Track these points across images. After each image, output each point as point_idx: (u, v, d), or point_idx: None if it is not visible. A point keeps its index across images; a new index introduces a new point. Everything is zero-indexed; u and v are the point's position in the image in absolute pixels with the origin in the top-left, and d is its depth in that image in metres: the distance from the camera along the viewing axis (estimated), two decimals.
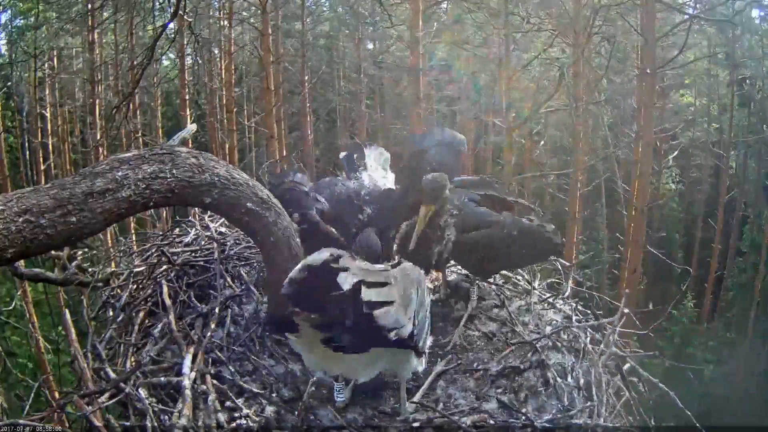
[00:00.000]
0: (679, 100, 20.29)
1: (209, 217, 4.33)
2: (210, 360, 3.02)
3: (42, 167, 17.33)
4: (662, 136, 16.03)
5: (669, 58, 13.22)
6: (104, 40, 17.33)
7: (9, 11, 15.70)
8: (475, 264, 3.55)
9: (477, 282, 3.89)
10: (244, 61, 19.94)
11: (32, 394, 3.34)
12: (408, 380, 2.90)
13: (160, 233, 4.44)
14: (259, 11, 14.50)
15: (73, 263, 3.93)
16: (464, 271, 3.98)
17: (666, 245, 17.85)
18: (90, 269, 3.99)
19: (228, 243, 4.04)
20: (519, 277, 4.18)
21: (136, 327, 3.37)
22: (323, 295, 2.28)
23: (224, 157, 13.67)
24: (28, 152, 18.83)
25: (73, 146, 19.54)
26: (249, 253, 3.96)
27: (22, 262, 3.69)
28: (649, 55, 12.19)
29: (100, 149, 13.60)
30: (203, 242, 4.09)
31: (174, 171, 2.84)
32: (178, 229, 4.34)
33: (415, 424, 2.72)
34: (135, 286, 3.74)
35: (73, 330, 3.21)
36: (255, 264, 3.89)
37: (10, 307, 10.33)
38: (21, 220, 2.43)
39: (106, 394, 2.73)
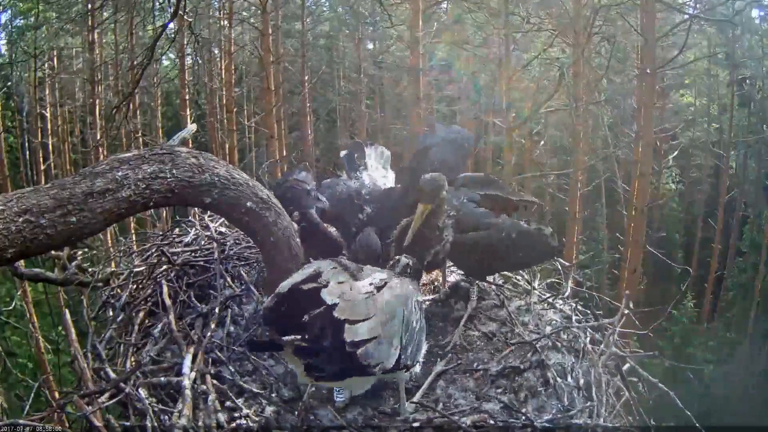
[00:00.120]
0: (679, 100, 20.28)
1: (209, 217, 4.33)
2: (210, 360, 3.02)
3: (42, 167, 17.32)
4: (662, 136, 16.02)
5: (669, 58, 13.22)
6: (104, 40, 17.33)
7: (9, 11, 15.71)
8: (473, 265, 3.55)
9: (477, 282, 3.88)
10: (244, 61, 19.94)
11: (32, 394, 3.34)
12: (407, 380, 2.90)
13: (160, 233, 4.44)
14: (259, 11, 14.50)
15: (73, 263, 3.93)
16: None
17: (666, 245, 17.85)
18: (90, 269, 4.00)
19: (228, 243, 4.04)
20: (519, 277, 4.18)
21: (136, 327, 3.37)
22: (302, 318, 2.27)
23: (224, 157, 13.67)
24: (28, 152, 18.83)
25: (73, 146, 19.53)
26: (249, 253, 3.96)
27: (22, 262, 3.69)
28: (649, 55, 12.19)
29: (100, 149, 13.60)
30: (203, 242, 4.09)
31: (174, 171, 2.84)
32: (178, 229, 4.34)
33: (415, 424, 2.72)
34: (135, 286, 3.75)
35: (73, 330, 3.21)
36: (255, 264, 3.89)
37: (10, 307, 10.33)
38: (21, 220, 2.43)
39: (106, 394, 2.73)
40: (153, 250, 4.01)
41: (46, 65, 18.14)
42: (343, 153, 4.28)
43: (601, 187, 16.87)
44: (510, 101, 12.81)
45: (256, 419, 2.66)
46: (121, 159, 2.81)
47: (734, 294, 17.08)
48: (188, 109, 16.56)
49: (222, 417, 2.64)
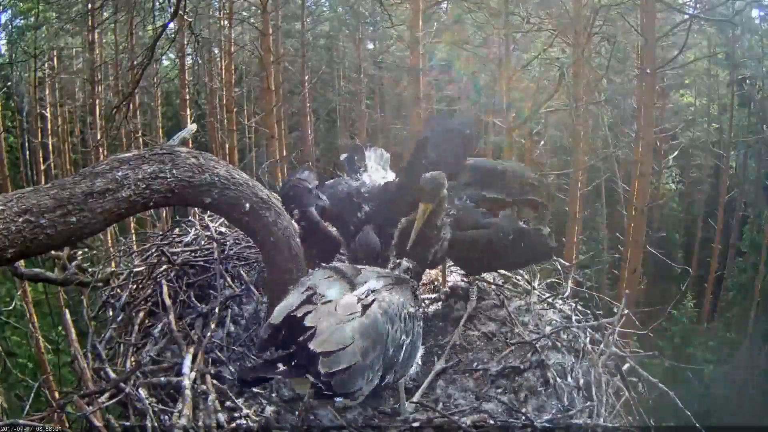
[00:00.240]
0: (679, 100, 20.27)
1: (209, 217, 4.34)
2: (210, 360, 3.03)
3: (42, 167, 17.31)
4: (662, 136, 16.00)
5: (669, 58, 13.19)
6: (104, 40, 17.32)
7: (9, 11, 15.70)
8: (471, 262, 3.56)
9: (477, 282, 3.89)
10: (244, 61, 19.93)
11: (32, 394, 3.34)
12: (407, 380, 2.90)
13: (160, 233, 4.45)
14: (259, 11, 14.49)
15: (73, 263, 3.93)
16: (462, 270, 3.98)
17: (666, 245, 17.83)
18: (90, 269, 4.00)
19: (228, 243, 4.05)
20: (519, 277, 4.18)
21: (136, 327, 3.38)
22: (293, 344, 2.33)
23: (224, 157, 13.67)
24: (28, 152, 18.82)
25: (73, 146, 19.53)
26: (249, 253, 3.96)
27: (22, 262, 3.70)
28: (649, 55, 12.18)
29: (100, 149, 13.59)
30: (203, 242, 4.09)
31: (174, 171, 2.84)
32: (178, 229, 4.35)
33: (415, 424, 2.72)
34: (135, 286, 3.75)
35: (73, 330, 3.21)
36: (255, 264, 3.89)
37: (10, 307, 10.32)
38: (21, 220, 2.43)
39: (106, 394, 2.73)
40: (153, 250, 4.02)
41: (46, 65, 18.13)
42: (343, 156, 4.30)
43: (601, 187, 16.86)
44: (510, 101, 12.79)
45: (256, 419, 2.67)
46: (121, 159, 2.81)
47: (734, 294, 17.06)
48: (188, 109, 16.54)
49: (222, 417, 2.65)
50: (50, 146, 17.90)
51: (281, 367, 2.27)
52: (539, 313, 3.78)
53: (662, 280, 17.02)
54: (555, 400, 3.01)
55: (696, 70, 18.18)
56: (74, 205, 2.57)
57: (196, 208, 4.25)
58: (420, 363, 2.83)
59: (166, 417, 2.64)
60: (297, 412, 2.74)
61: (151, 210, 3.80)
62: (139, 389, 2.74)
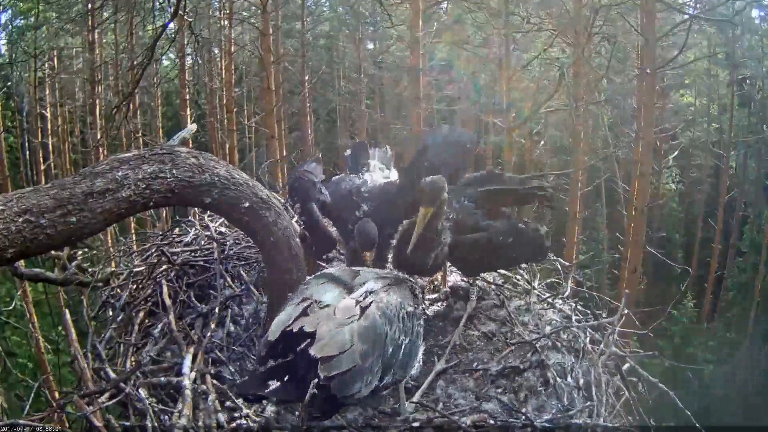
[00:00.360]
0: (679, 100, 20.26)
1: (209, 217, 4.34)
2: (210, 360, 3.03)
3: (42, 167, 17.31)
4: (662, 136, 15.99)
5: (669, 58, 13.19)
6: (104, 40, 17.31)
7: (9, 11, 15.70)
8: (470, 263, 3.57)
9: (477, 282, 3.89)
10: (244, 61, 19.92)
11: (32, 394, 3.34)
12: (408, 380, 2.90)
13: (160, 233, 4.45)
14: (259, 11, 14.48)
15: (73, 263, 3.93)
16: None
17: (666, 245, 17.85)
18: (90, 269, 4.00)
19: (228, 243, 4.05)
20: (518, 277, 4.18)
21: (136, 327, 3.38)
22: (292, 357, 2.35)
23: (224, 157, 13.68)
24: (28, 152, 18.82)
25: (73, 146, 19.52)
26: (249, 253, 3.96)
27: (22, 262, 3.70)
28: (649, 55, 12.17)
29: (100, 149, 13.59)
30: (203, 242, 4.09)
31: (174, 171, 2.84)
32: (178, 229, 4.35)
33: (415, 424, 2.72)
34: (135, 286, 3.75)
35: (73, 330, 3.21)
36: (255, 264, 3.89)
37: (10, 307, 10.32)
38: (21, 220, 2.43)
39: (106, 394, 2.73)
40: (153, 250, 4.02)
41: (46, 65, 18.12)
42: (347, 153, 4.30)
43: (601, 187, 16.86)
44: (510, 101, 12.79)
45: (256, 419, 2.66)
46: (121, 159, 2.81)
47: (734, 294, 17.06)
48: (188, 109, 16.55)
49: (222, 417, 2.64)
50: (50, 146, 17.90)
51: (276, 383, 2.31)
52: (539, 313, 3.78)
53: (662, 280, 17.02)
54: (555, 400, 3.01)
55: (696, 70, 18.17)
56: (74, 205, 2.57)
57: (196, 208, 4.25)
58: (421, 363, 2.84)
59: (166, 417, 2.64)
60: (297, 412, 2.74)
61: (151, 210, 3.80)
62: (139, 389, 2.74)
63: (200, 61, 17.82)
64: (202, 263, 3.84)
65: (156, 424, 2.57)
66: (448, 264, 3.83)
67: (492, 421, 2.79)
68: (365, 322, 2.40)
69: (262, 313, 3.40)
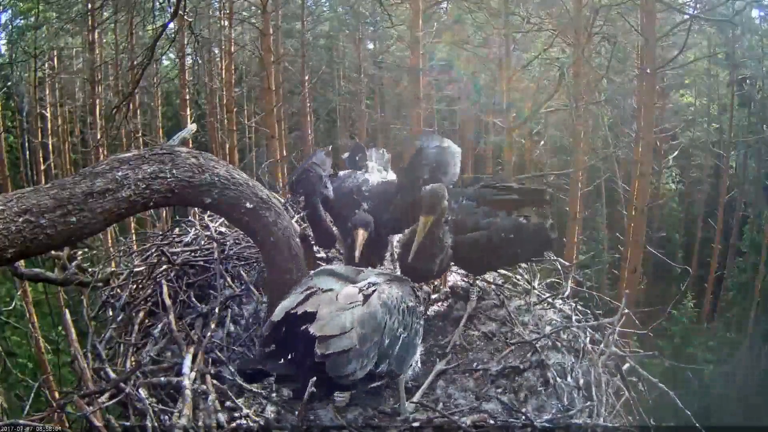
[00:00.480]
0: (679, 100, 20.26)
1: (209, 217, 4.34)
2: (210, 360, 3.03)
3: (42, 167, 17.30)
4: (662, 136, 15.99)
5: (669, 58, 13.18)
6: (104, 40, 17.30)
7: (9, 11, 15.69)
8: (473, 262, 3.57)
9: (477, 282, 3.89)
10: (244, 61, 19.91)
11: (32, 394, 3.34)
12: (407, 380, 2.90)
13: (160, 233, 4.45)
14: (259, 11, 14.48)
15: (73, 263, 3.93)
16: (462, 271, 3.98)
17: (666, 245, 17.85)
18: (90, 269, 4.00)
19: (228, 243, 4.05)
20: (519, 277, 4.18)
21: (136, 327, 3.38)
22: (294, 341, 2.41)
23: (224, 157, 13.67)
24: (28, 152, 18.81)
25: (73, 146, 19.51)
26: (249, 253, 3.96)
27: (22, 262, 3.70)
28: (649, 55, 12.17)
29: (100, 149, 13.58)
30: (203, 242, 4.09)
31: (174, 171, 2.84)
32: (178, 229, 4.35)
33: (415, 424, 2.72)
34: (135, 286, 3.75)
35: (73, 330, 3.21)
36: (255, 264, 3.89)
37: (10, 307, 10.32)
38: (21, 220, 2.43)
39: (106, 394, 2.73)
40: (153, 250, 4.02)
41: (46, 65, 18.11)
42: (345, 155, 4.30)
43: (601, 187, 16.86)
44: (510, 101, 12.78)
45: (256, 419, 2.66)
46: (121, 159, 2.81)
47: (734, 294, 17.06)
48: (188, 109, 16.54)
49: (222, 417, 2.64)
50: (50, 146, 17.89)
51: (281, 361, 2.32)
52: (539, 313, 3.78)
53: (662, 280, 17.01)
54: (555, 400, 3.01)
55: (696, 70, 18.17)
56: (74, 205, 2.57)
57: (196, 208, 4.25)
58: (420, 363, 2.84)
59: (166, 417, 2.64)
60: (297, 412, 2.74)
61: (151, 210, 3.80)
62: (139, 389, 2.74)
63: (200, 61, 17.83)
64: (202, 263, 3.84)
65: (156, 424, 2.57)
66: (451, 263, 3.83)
67: (492, 421, 2.79)
68: (366, 309, 2.46)
69: (262, 313, 3.40)
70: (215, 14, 16.85)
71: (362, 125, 19.99)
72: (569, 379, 3.14)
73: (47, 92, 18.25)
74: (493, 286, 3.97)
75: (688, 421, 3.27)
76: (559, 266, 4.35)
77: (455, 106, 19.13)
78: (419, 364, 2.86)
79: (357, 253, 3.17)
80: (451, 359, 3.28)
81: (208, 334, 3.17)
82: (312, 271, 2.94)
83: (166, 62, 18.90)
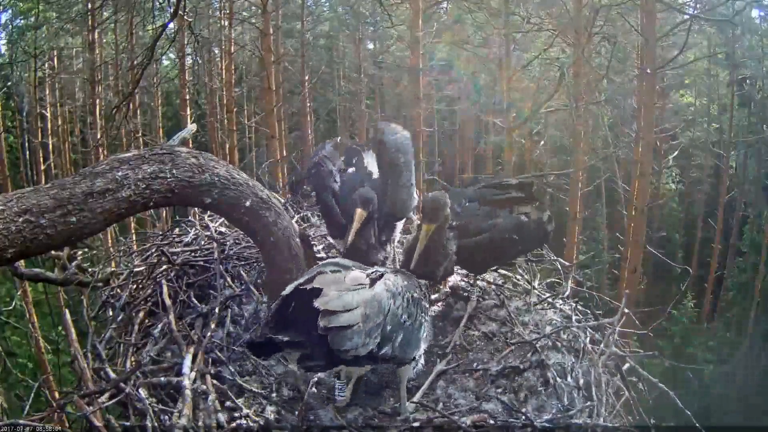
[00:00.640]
0: (679, 100, 20.25)
1: (209, 217, 4.34)
2: (210, 360, 3.03)
3: (42, 167, 17.30)
4: (662, 136, 15.98)
5: (669, 58, 13.17)
6: (104, 40, 17.30)
7: (9, 11, 15.69)
8: (475, 263, 3.58)
9: (477, 282, 3.89)
10: (244, 61, 19.91)
11: (32, 394, 3.35)
12: (408, 380, 2.90)
13: (160, 233, 4.45)
14: (259, 11, 14.47)
15: (73, 263, 3.93)
16: (463, 271, 3.98)
17: (666, 245, 17.83)
18: (90, 269, 4.00)
19: (228, 243, 4.05)
20: (519, 277, 4.18)
21: (136, 327, 3.38)
22: (300, 316, 2.43)
23: (224, 157, 13.67)
24: (28, 152, 18.81)
25: (73, 146, 19.51)
26: (249, 253, 3.96)
27: (22, 262, 3.70)
28: (649, 55, 12.16)
29: (100, 149, 13.58)
30: (203, 242, 4.09)
31: (174, 171, 2.84)
32: (178, 229, 4.35)
33: (415, 424, 2.73)
34: (135, 286, 3.75)
35: (73, 330, 3.21)
36: (255, 264, 3.89)
37: (10, 307, 10.32)
38: (21, 220, 2.43)
39: (106, 394, 2.73)
40: (153, 250, 4.02)
41: (46, 65, 18.11)
42: (341, 158, 4.29)
43: (601, 187, 16.85)
44: (510, 101, 12.78)
45: (256, 419, 2.67)
46: (121, 159, 2.81)
47: (734, 294, 17.05)
48: (188, 109, 16.53)
49: (222, 417, 2.65)
50: (50, 146, 17.88)
51: (288, 336, 2.38)
52: (539, 313, 3.78)
53: (662, 280, 17.00)
54: (555, 400, 3.01)
55: (696, 70, 18.16)
56: (74, 205, 2.57)
57: (196, 208, 4.25)
58: (421, 358, 2.85)
59: (166, 417, 2.64)
60: (297, 412, 2.74)
61: (151, 210, 3.80)
62: (139, 389, 2.74)
63: (200, 61, 17.81)
64: (202, 263, 3.84)
65: (156, 424, 2.58)
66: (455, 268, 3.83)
67: (492, 421, 2.79)
68: (372, 291, 2.51)
69: (262, 313, 3.40)
70: (215, 14, 16.85)
71: (362, 125, 19.97)
72: (569, 379, 3.14)
73: (47, 92, 18.25)
74: (493, 287, 3.98)
75: (688, 421, 3.28)
76: (559, 266, 4.36)
77: (455, 106, 19.14)
78: (422, 360, 2.85)
79: (352, 233, 3.19)
80: (451, 359, 3.28)
81: (208, 334, 3.17)
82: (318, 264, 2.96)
83: (166, 62, 18.89)
